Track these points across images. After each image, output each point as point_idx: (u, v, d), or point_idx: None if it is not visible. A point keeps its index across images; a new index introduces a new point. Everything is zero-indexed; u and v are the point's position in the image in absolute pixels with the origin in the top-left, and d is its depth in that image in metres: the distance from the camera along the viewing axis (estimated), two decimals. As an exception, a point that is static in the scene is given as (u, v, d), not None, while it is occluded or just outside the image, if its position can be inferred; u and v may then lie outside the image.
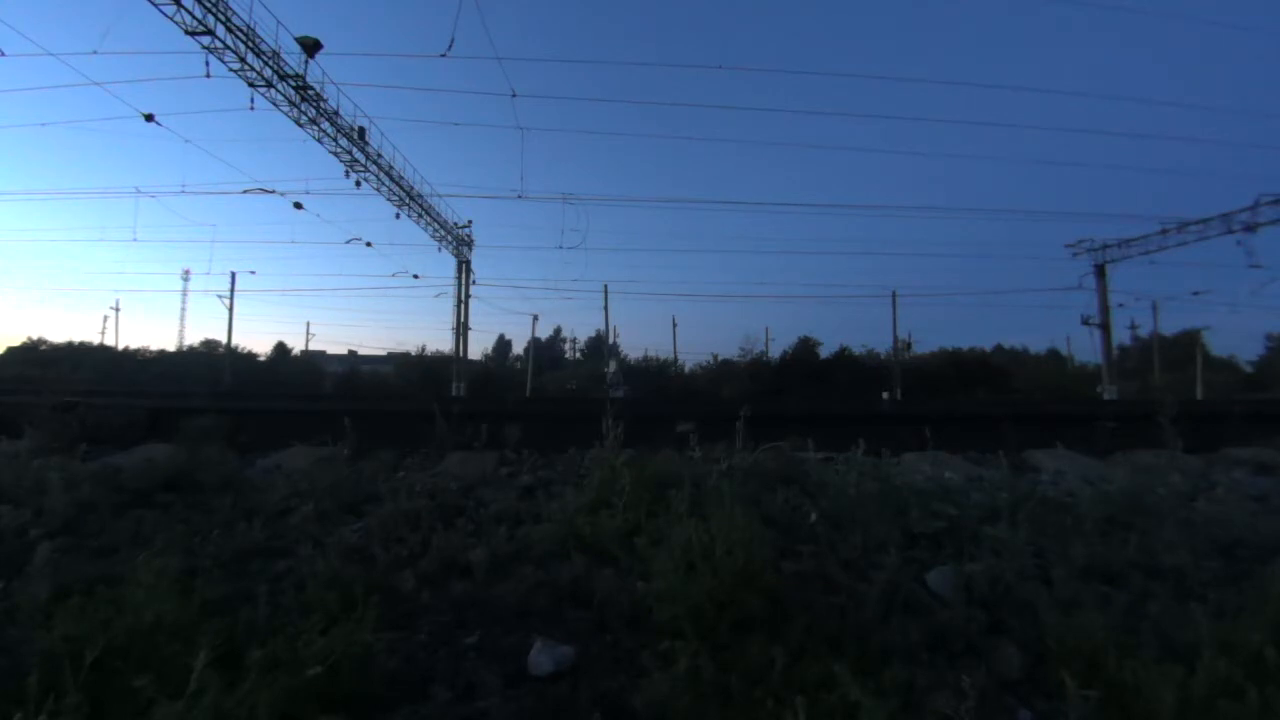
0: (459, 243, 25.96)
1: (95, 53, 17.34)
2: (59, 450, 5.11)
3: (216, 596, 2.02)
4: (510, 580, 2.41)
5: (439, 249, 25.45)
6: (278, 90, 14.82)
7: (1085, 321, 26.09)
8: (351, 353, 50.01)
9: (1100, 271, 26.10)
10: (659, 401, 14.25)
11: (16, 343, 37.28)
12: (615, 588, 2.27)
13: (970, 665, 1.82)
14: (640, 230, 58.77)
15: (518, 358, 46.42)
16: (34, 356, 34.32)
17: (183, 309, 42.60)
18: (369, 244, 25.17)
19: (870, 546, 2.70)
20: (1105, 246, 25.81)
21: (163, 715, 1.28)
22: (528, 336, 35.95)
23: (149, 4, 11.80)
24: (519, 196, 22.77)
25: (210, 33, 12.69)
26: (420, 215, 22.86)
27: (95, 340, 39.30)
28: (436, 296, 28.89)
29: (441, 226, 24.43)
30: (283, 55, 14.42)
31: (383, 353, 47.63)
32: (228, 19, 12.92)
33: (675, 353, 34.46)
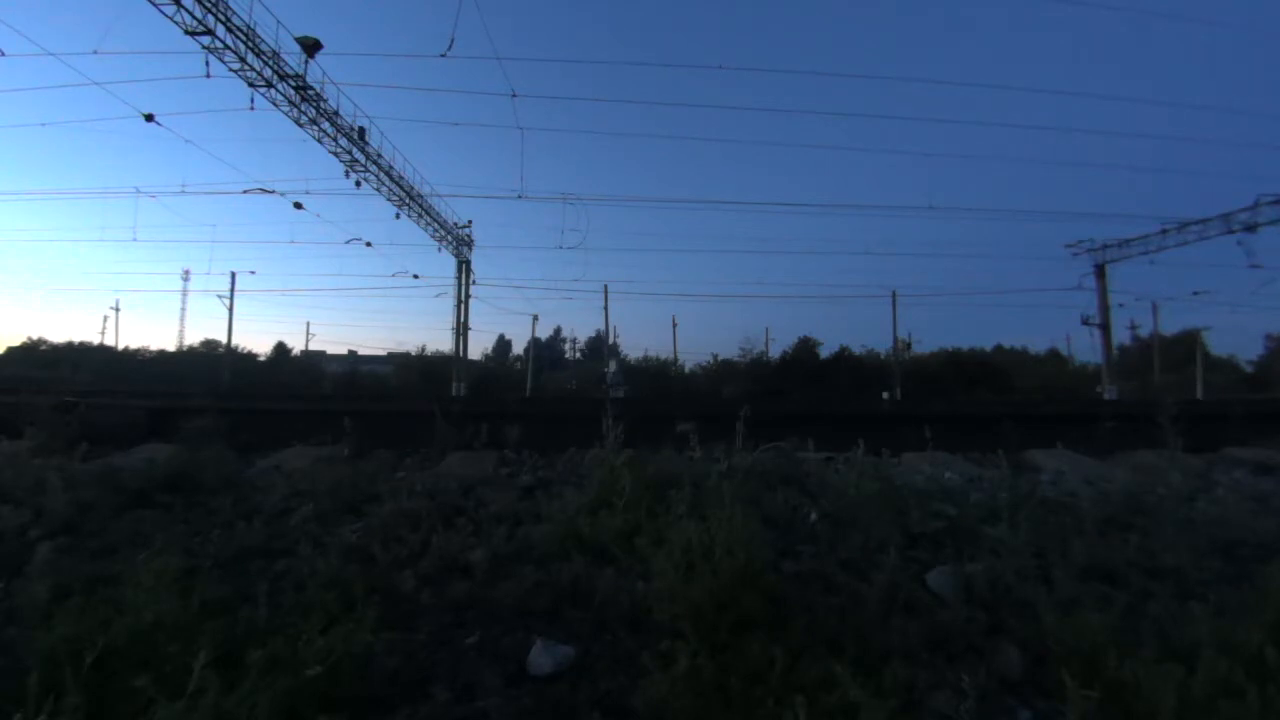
0: (459, 243, 25.94)
1: (95, 53, 17.25)
2: (59, 450, 5.12)
3: (216, 596, 2.01)
4: (510, 580, 2.41)
5: (439, 249, 25.45)
6: (278, 90, 14.81)
7: (1085, 321, 26.09)
8: (351, 353, 50.00)
9: (1100, 271, 26.08)
10: (659, 401, 14.24)
11: (16, 343, 37.37)
12: (615, 588, 2.26)
13: (970, 665, 1.82)
14: (640, 230, 58.68)
15: (518, 358, 46.35)
16: (34, 356, 34.34)
17: (183, 309, 42.71)
18: (369, 244, 25.21)
19: (870, 547, 2.70)
20: (1105, 246, 25.81)
21: (163, 715, 1.28)
22: (528, 336, 35.97)
23: (149, 4, 11.81)
24: (519, 196, 22.76)
25: (210, 33, 12.69)
26: (420, 215, 22.84)
27: (95, 340, 39.37)
28: (436, 296, 28.99)
29: (441, 226, 24.42)
30: (283, 55, 14.42)
31: (383, 353, 47.60)
32: (228, 19, 12.92)
33: (675, 353, 34.51)
